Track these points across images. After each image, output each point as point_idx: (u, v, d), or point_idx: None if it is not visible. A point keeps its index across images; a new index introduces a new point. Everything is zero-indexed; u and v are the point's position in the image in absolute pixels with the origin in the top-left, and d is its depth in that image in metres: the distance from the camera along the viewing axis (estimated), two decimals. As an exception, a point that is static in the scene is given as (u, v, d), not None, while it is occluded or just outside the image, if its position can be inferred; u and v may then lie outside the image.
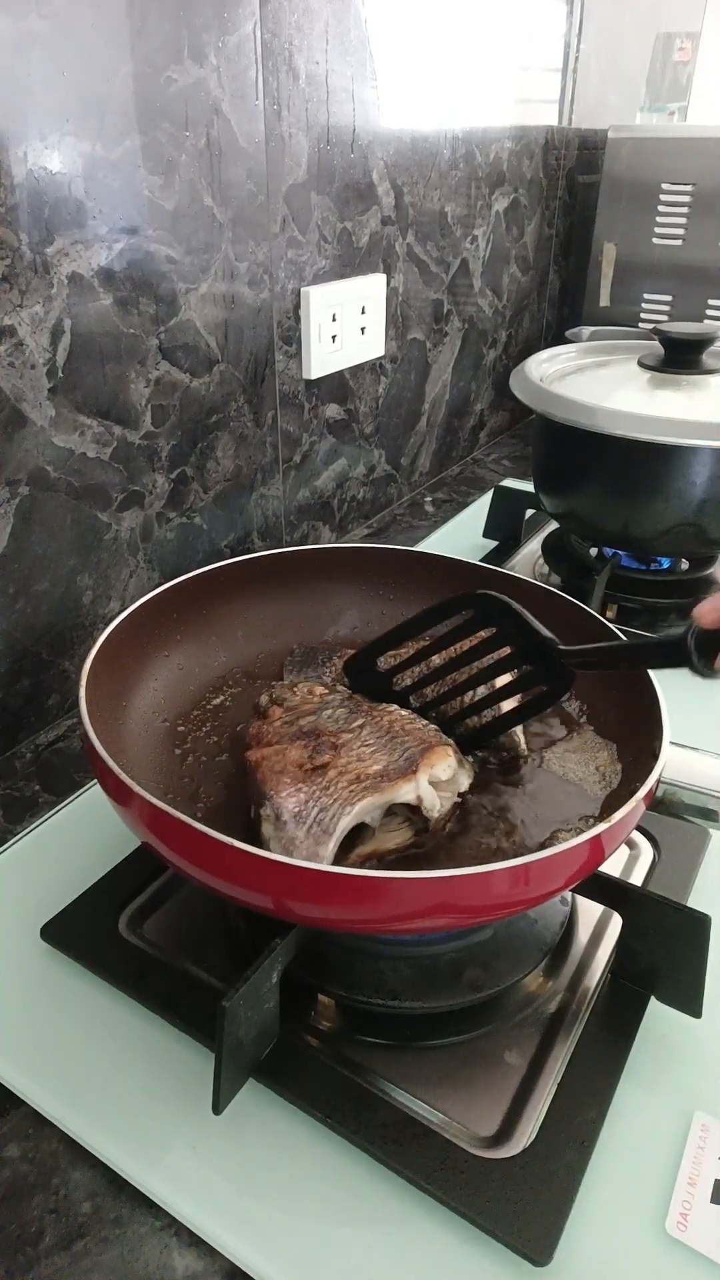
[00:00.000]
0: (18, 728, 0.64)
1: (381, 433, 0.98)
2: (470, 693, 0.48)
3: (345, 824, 0.40)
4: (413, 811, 0.43)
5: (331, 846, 0.40)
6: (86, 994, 0.45)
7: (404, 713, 0.47)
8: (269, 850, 0.38)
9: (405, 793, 0.42)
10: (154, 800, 0.37)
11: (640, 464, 0.71)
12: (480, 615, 0.46)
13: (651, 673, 0.48)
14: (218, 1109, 0.38)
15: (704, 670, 0.38)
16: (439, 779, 0.43)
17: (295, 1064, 0.41)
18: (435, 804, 0.43)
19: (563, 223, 1.31)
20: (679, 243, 1.20)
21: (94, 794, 0.59)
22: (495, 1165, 0.37)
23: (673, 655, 0.39)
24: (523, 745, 0.50)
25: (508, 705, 0.48)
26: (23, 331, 0.55)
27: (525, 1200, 0.36)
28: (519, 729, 0.50)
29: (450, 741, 0.46)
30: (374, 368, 0.93)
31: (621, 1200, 0.37)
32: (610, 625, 0.53)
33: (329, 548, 0.62)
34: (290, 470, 0.84)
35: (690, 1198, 0.37)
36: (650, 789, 0.40)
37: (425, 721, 0.47)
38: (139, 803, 0.38)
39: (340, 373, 0.87)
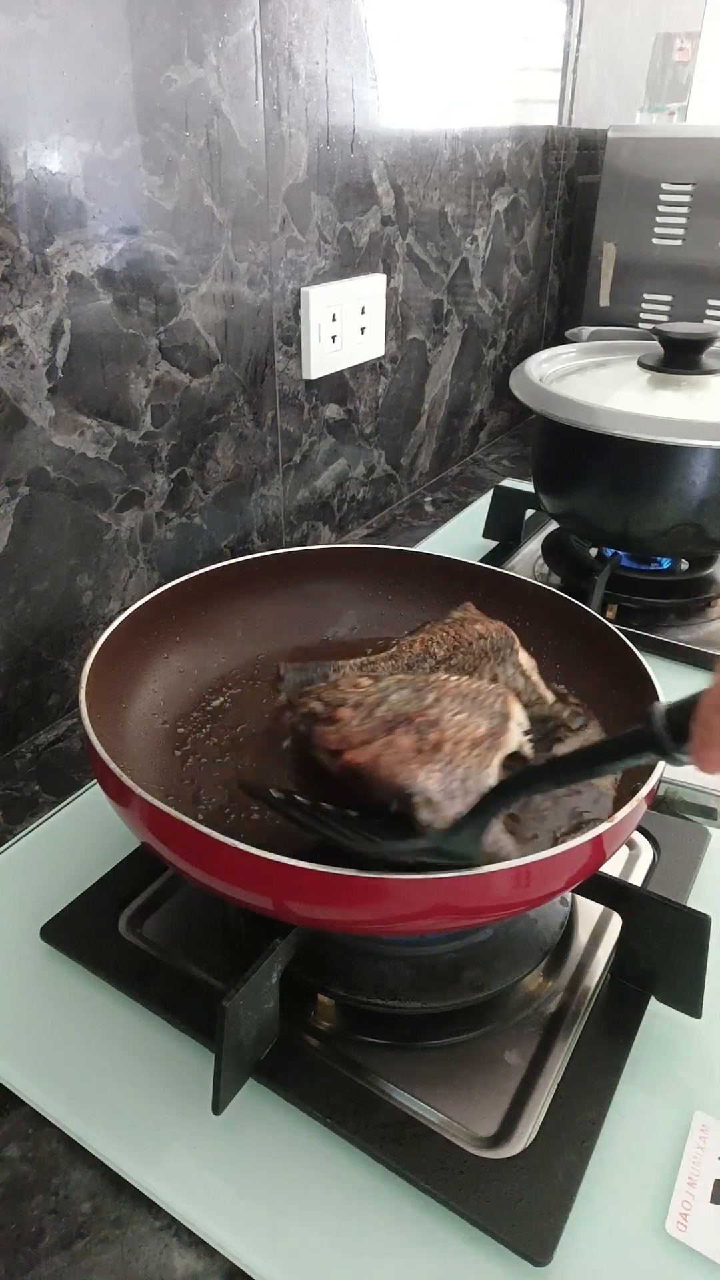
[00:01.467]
0: (18, 728, 0.64)
1: (381, 433, 0.99)
2: None
3: (489, 784, 0.41)
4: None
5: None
6: (86, 994, 0.45)
7: (455, 677, 0.47)
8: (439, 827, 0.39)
9: (514, 741, 0.43)
10: (154, 801, 0.37)
11: (640, 464, 0.71)
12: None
13: (652, 672, 0.48)
14: (217, 1109, 0.38)
15: (674, 754, 0.33)
16: (523, 724, 0.45)
17: (295, 1064, 0.41)
18: (527, 747, 0.44)
19: (563, 223, 1.31)
20: (679, 243, 1.20)
21: (94, 794, 0.59)
22: (495, 1165, 0.37)
23: (640, 746, 0.34)
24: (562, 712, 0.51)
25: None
26: (22, 331, 0.55)
27: (525, 1200, 0.36)
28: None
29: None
30: (374, 368, 0.93)
31: (621, 1200, 0.37)
32: (610, 625, 0.53)
33: (329, 548, 0.62)
34: (290, 470, 0.84)
35: (690, 1198, 0.37)
36: (651, 789, 0.40)
37: (479, 679, 0.48)
38: (139, 803, 0.38)
39: (340, 373, 0.87)
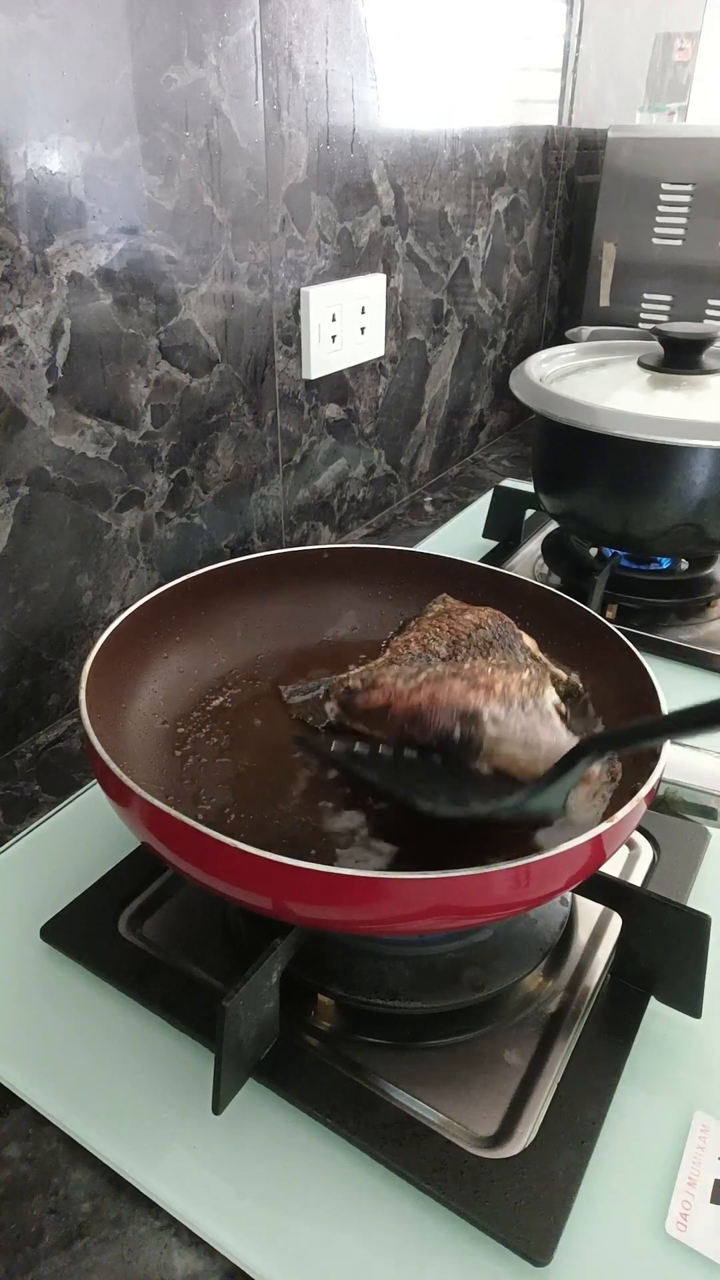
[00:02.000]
0: (18, 728, 0.64)
1: (381, 433, 0.99)
2: None
3: (548, 708, 0.42)
4: None
5: (558, 722, 0.42)
6: (86, 994, 0.45)
7: (479, 658, 0.48)
8: (507, 750, 0.41)
9: (559, 671, 0.46)
10: (154, 801, 0.37)
11: (640, 464, 0.71)
12: None
13: (652, 672, 0.48)
14: (217, 1109, 0.38)
15: None
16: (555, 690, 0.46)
17: (295, 1064, 0.41)
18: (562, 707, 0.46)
19: (563, 223, 1.31)
20: (679, 243, 1.20)
21: (94, 794, 0.59)
22: (495, 1165, 0.37)
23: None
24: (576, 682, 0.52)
25: None
26: (22, 331, 0.55)
27: (525, 1200, 0.36)
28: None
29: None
30: (374, 368, 0.93)
31: (621, 1200, 0.37)
32: (610, 625, 0.53)
33: (328, 548, 0.62)
34: (290, 470, 0.84)
35: (690, 1198, 0.37)
36: (651, 788, 0.40)
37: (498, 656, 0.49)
38: (139, 803, 0.38)
39: (340, 373, 0.87)
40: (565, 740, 0.42)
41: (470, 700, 0.42)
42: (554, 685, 0.46)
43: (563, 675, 0.50)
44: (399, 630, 0.55)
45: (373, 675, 0.47)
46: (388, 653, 0.53)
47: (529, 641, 0.51)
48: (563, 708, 0.45)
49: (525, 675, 0.44)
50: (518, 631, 0.51)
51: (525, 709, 0.42)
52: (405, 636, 0.54)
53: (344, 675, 0.51)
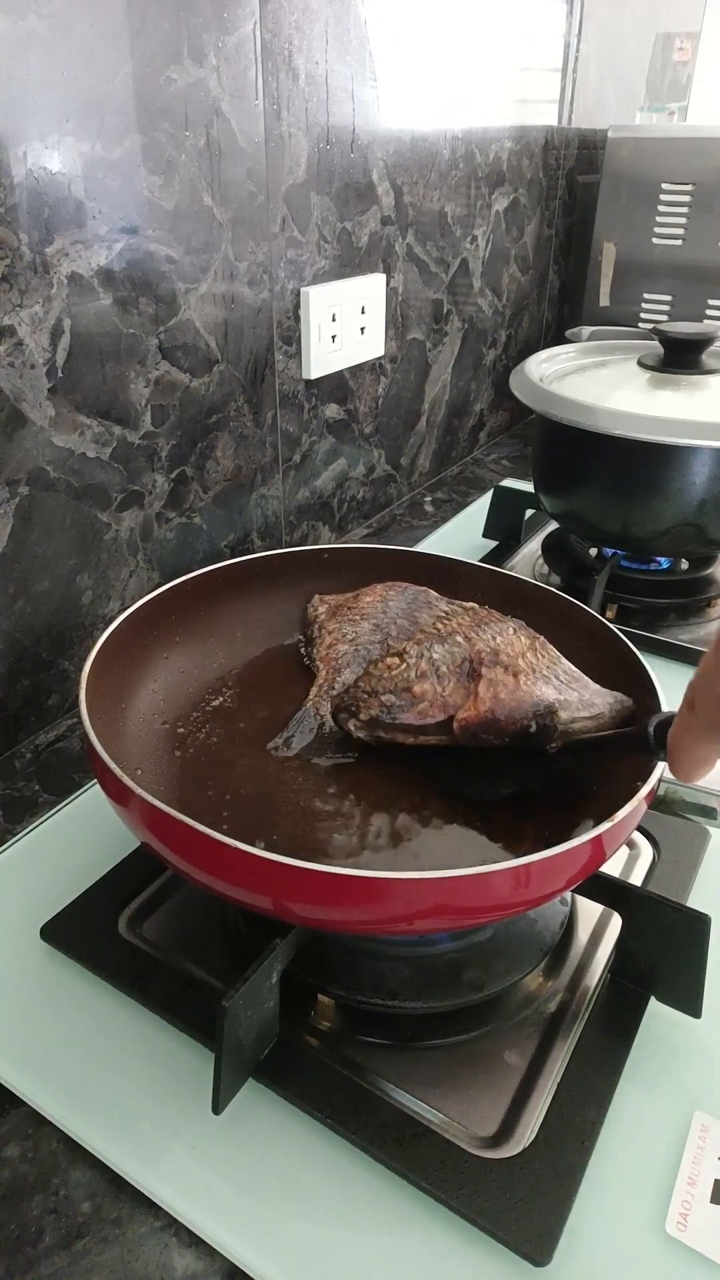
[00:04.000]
0: (18, 728, 0.64)
1: (381, 433, 0.98)
2: None
3: (569, 667, 0.48)
4: None
5: (578, 671, 0.47)
6: (86, 994, 0.45)
7: (451, 618, 0.50)
8: (579, 727, 0.43)
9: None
10: (154, 800, 0.37)
11: (640, 464, 0.71)
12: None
13: (652, 672, 0.48)
14: (217, 1109, 0.38)
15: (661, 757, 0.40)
16: None
17: (295, 1064, 0.41)
18: None
19: (562, 223, 1.31)
20: (679, 243, 1.20)
21: (94, 794, 0.59)
22: (495, 1165, 0.37)
23: (635, 746, 0.42)
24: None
25: None
26: (22, 331, 0.55)
27: (525, 1200, 0.36)
28: None
29: None
30: (374, 368, 0.93)
31: (621, 1200, 0.37)
32: (610, 625, 0.53)
33: (328, 548, 0.62)
34: (290, 470, 0.84)
35: (690, 1198, 0.37)
36: (651, 789, 0.40)
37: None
38: (139, 803, 0.38)
39: (340, 373, 0.87)
40: (597, 688, 0.47)
41: (529, 695, 0.44)
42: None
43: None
44: (307, 643, 0.57)
45: (399, 687, 0.46)
46: (322, 669, 0.54)
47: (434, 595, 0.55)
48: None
49: (524, 637, 0.47)
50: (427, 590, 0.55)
51: (560, 677, 0.45)
52: (329, 642, 0.55)
53: (332, 697, 0.50)
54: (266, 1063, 0.41)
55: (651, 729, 0.41)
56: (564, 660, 0.48)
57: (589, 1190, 0.37)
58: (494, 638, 0.47)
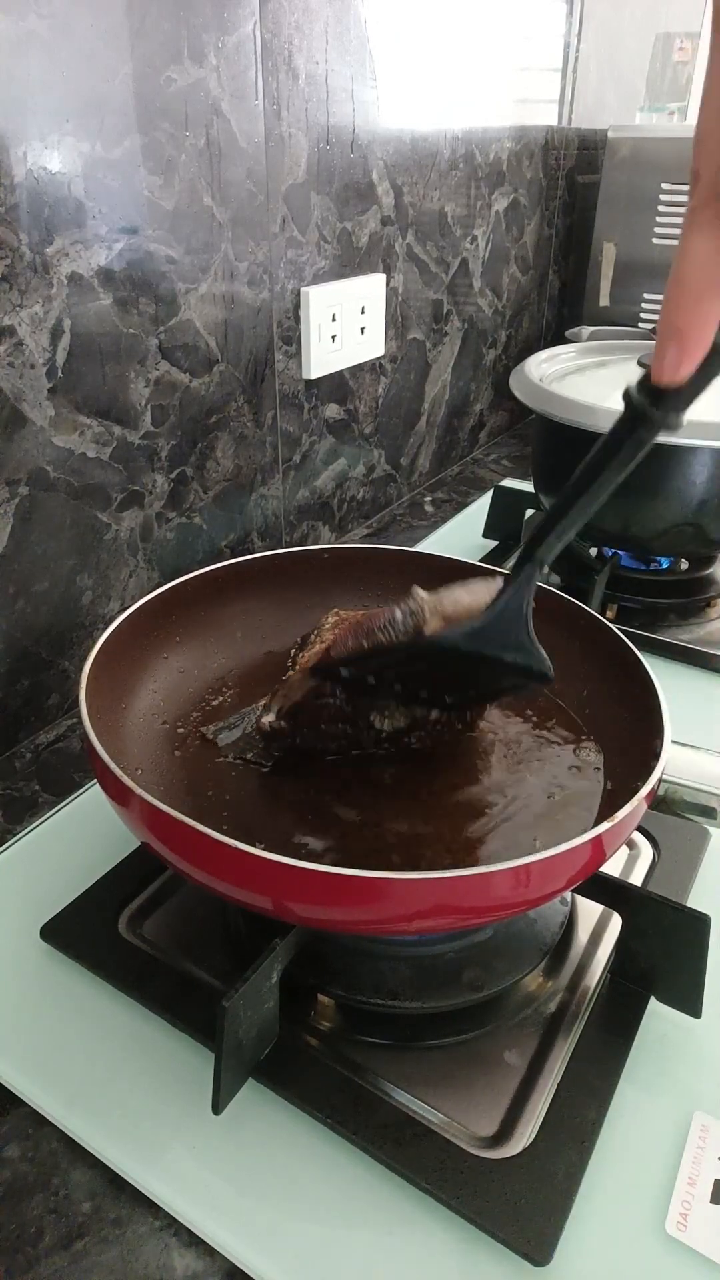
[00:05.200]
0: (17, 728, 0.64)
1: (381, 433, 0.98)
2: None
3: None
4: None
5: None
6: (86, 994, 0.45)
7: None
8: (450, 597, 0.42)
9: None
10: (154, 801, 0.37)
11: (640, 464, 0.71)
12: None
13: (652, 672, 0.48)
14: (217, 1109, 0.38)
15: (661, 419, 0.35)
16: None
17: (295, 1064, 0.41)
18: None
19: (562, 223, 1.31)
20: (679, 243, 1.19)
21: (94, 794, 0.59)
22: (495, 1165, 0.37)
23: (630, 427, 0.37)
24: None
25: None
26: (22, 331, 0.55)
27: (525, 1200, 0.36)
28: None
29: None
30: (374, 368, 0.93)
31: (621, 1200, 0.37)
32: (610, 625, 0.53)
33: (328, 548, 0.62)
34: (290, 470, 0.84)
35: (690, 1198, 0.37)
36: (652, 788, 0.40)
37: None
38: (139, 803, 0.38)
39: (340, 373, 0.87)
40: (489, 577, 0.44)
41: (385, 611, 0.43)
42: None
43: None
44: (300, 647, 0.56)
45: (285, 683, 0.49)
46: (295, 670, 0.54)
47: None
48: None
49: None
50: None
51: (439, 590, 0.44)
52: (310, 651, 0.54)
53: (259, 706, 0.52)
54: (266, 1063, 0.41)
55: (636, 394, 0.36)
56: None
57: (589, 1190, 0.37)
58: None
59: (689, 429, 0.68)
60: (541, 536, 0.41)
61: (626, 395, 0.36)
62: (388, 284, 0.90)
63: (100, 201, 0.57)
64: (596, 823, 0.38)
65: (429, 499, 1.09)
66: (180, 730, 0.52)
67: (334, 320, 0.82)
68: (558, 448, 0.78)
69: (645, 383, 0.35)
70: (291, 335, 0.79)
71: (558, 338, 1.33)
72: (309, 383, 0.83)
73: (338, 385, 0.88)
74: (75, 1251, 0.36)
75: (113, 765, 0.39)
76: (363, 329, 0.87)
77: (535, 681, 0.43)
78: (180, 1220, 0.37)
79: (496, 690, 0.49)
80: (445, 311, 1.05)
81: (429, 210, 0.94)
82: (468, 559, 0.61)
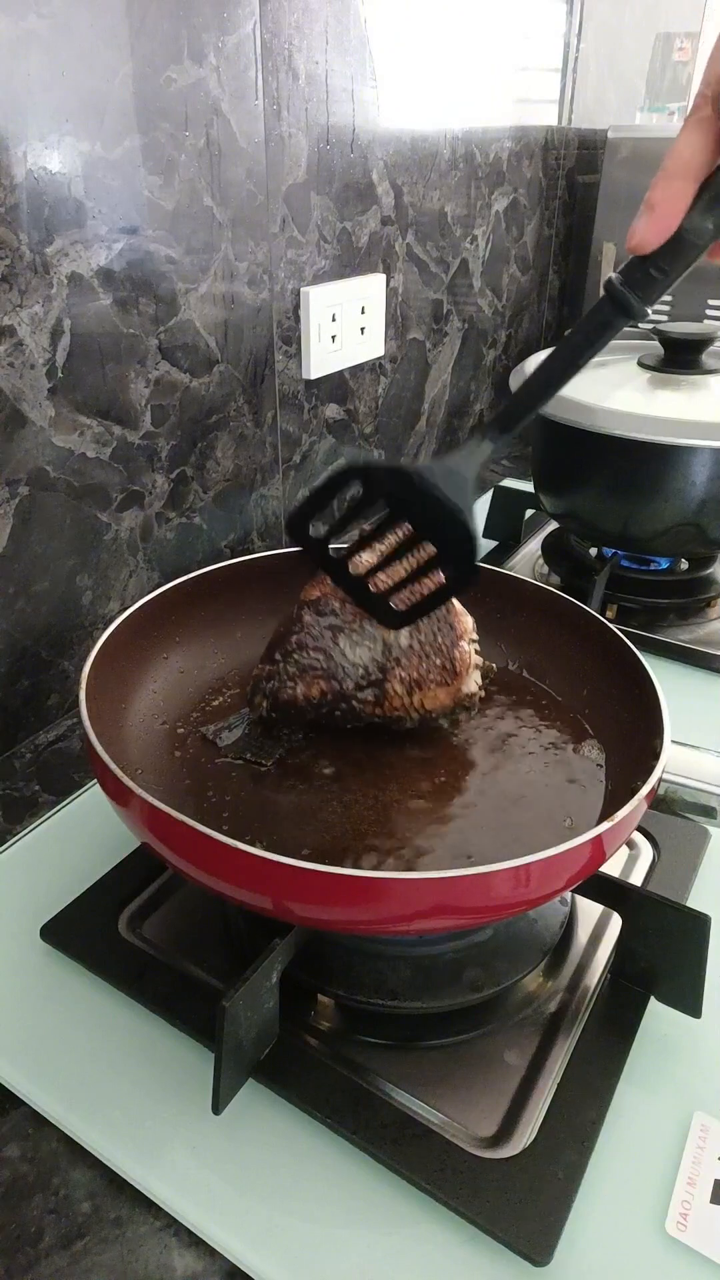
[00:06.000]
0: (17, 728, 0.64)
1: (381, 433, 0.98)
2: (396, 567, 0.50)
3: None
4: None
5: None
6: (86, 994, 0.45)
7: None
8: None
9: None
10: (154, 801, 0.37)
11: (640, 464, 0.71)
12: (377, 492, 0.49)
13: (652, 672, 0.48)
14: (217, 1109, 0.38)
15: (641, 308, 0.39)
16: None
17: (295, 1064, 0.41)
18: None
19: (562, 223, 1.31)
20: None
21: (94, 794, 0.59)
22: (495, 1165, 0.37)
23: (611, 314, 0.41)
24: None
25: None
26: (22, 331, 0.55)
27: (525, 1200, 0.36)
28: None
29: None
30: (374, 368, 0.93)
31: (621, 1200, 0.37)
32: (610, 625, 0.53)
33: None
34: (290, 470, 0.84)
35: (690, 1198, 0.37)
36: (652, 788, 0.40)
37: None
38: (139, 803, 0.38)
39: (340, 373, 0.87)
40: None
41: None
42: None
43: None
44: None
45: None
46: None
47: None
48: None
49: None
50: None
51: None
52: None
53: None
54: (266, 1063, 0.41)
55: (618, 280, 0.40)
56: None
57: (589, 1190, 0.37)
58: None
59: (689, 429, 0.68)
60: (511, 410, 0.44)
61: (608, 282, 0.40)
62: (388, 284, 0.90)
63: (100, 201, 0.57)
64: (597, 822, 0.38)
65: (429, 499, 1.09)
66: (180, 730, 0.52)
67: (334, 320, 0.82)
68: (558, 447, 0.78)
69: (625, 270, 0.40)
70: (291, 335, 0.79)
71: (558, 338, 1.33)
72: (309, 383, 0.83)
73: (338, 385, 0.88)
74: (75, 1251, 0.36)
75: (113, 765, 0.39)
76: (363, 329, 0.87)
77: (458, 534, 0.45)
78: (180, 1220, 0.37)
79: (433, 537, 0.49)
80: (445, 311, 1.05)
81: (429, 210, 0.94)
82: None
